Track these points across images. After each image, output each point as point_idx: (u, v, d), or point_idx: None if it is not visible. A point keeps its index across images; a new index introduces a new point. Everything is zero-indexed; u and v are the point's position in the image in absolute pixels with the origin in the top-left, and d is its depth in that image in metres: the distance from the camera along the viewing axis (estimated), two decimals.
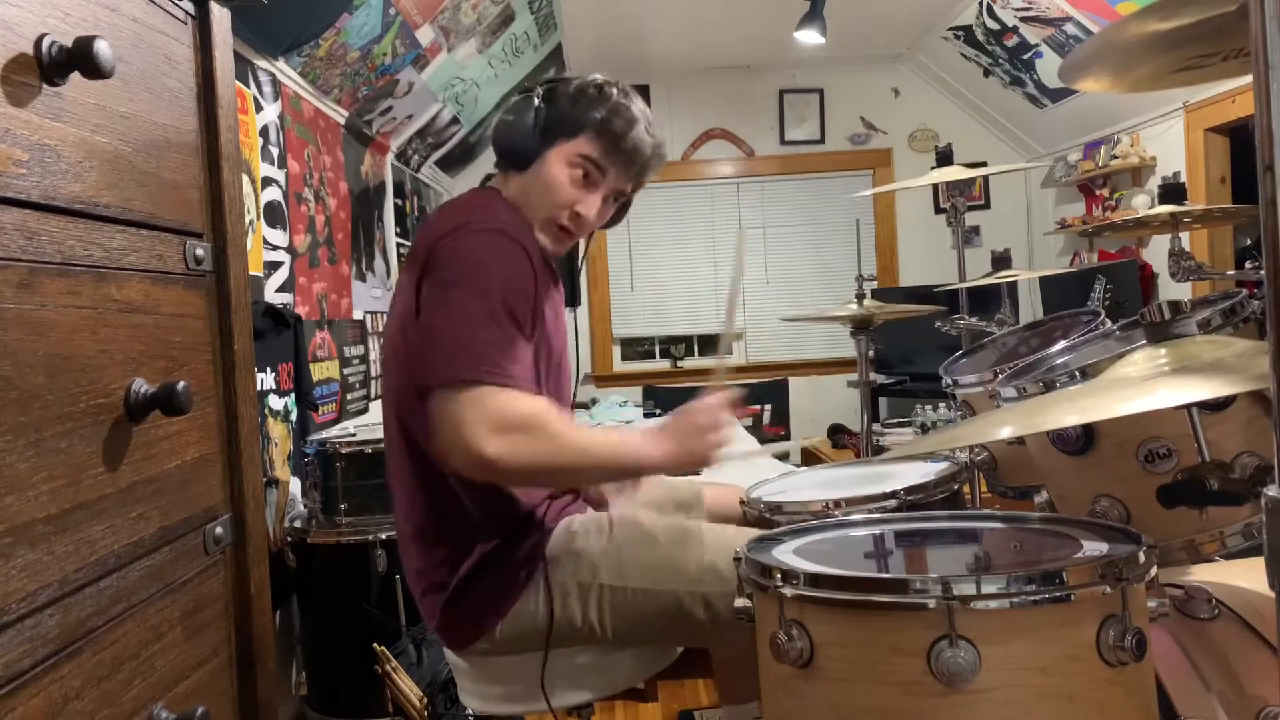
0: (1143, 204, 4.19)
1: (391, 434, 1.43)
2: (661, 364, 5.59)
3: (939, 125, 5.49)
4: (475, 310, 1.24)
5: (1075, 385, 1.20)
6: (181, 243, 0.89)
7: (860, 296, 2.44)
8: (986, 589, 0.85)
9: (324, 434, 2.77)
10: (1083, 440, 1.21)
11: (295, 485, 2.69)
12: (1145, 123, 4.26)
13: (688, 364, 5.55)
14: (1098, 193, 4.67)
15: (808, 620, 0.91)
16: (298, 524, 2.53)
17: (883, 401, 4.93)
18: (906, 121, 5.53)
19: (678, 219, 5.52)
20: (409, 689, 2.06)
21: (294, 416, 2.78)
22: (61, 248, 0.71)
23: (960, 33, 4.72)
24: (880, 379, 2.58)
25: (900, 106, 5.52)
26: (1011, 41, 4.44)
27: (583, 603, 1.36)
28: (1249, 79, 0.67)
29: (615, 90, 1.43)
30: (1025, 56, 4.47)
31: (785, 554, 1.05)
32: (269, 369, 2.61)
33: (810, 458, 4.70)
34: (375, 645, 2.12)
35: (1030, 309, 5.06)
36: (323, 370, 3.05)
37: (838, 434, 4.73)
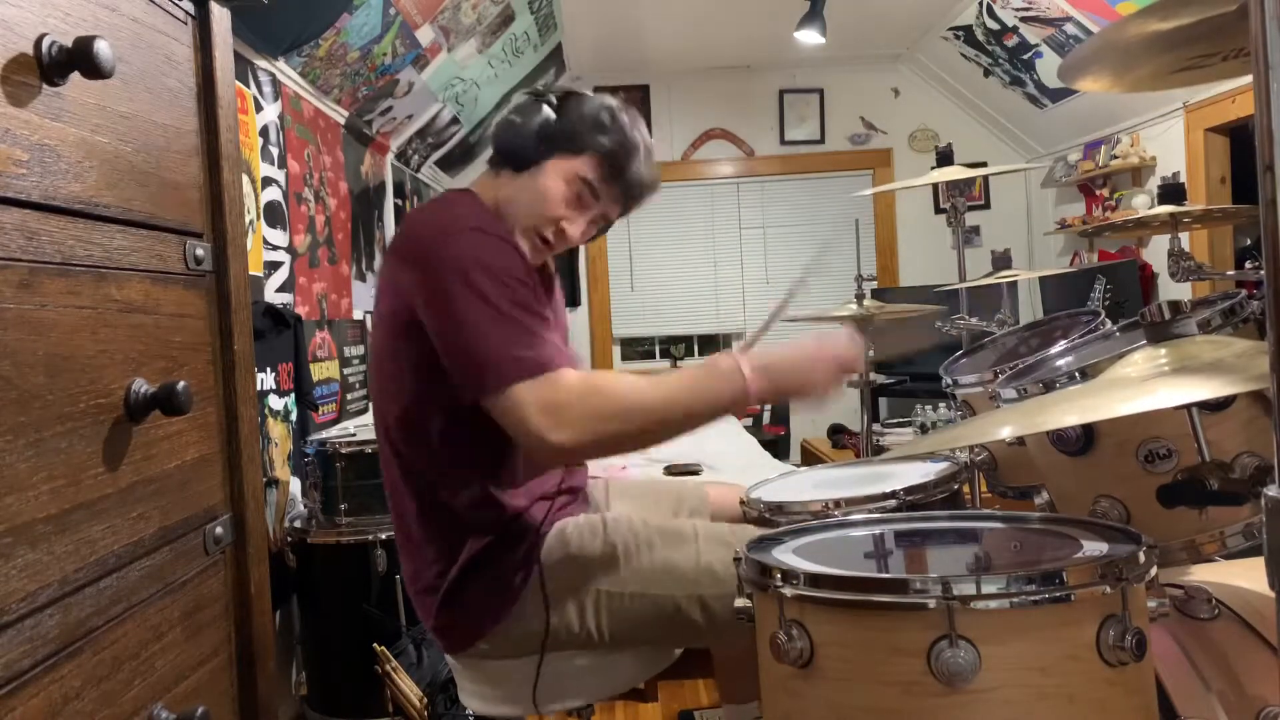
0: (1143, 204, 4.19)
1: (380, 436, 1.43)
2: (662, 364, 5.59)
3: (939, 125, 5.49)
4: (481, 317, 1.25)
5: (1075, 385, 1.20)
6: (181, 243, 0.89)
7: (860, 296, 2.44)
8: (986, 589, 0.85)
9: (324, 434, 2.77)
10: (1083, 440, 1.21)
11: (295, 485, 2.69)
12: (1145, 123, 4.26)
13: (688, 364, 5.55)
14: (1098, 193, 4.67)
15: (808, 620, 0.91)
16: (298, 524, 2.53)
17: (883, 401, 4.93)
18: (906, 121, 5.53)
19: (678, 219, 5.52)
20: (409, 689, 2.06)
21: (294, 416, 2.79)
22: (61, 248, 0.71)
23: (960, 33, 4.72)
24: (880, 379, 2.58)
25: (900, 106, 5.52)
26: (1011, 41, 4.44)
27: (579, 608, 1.36)
28: (1249, 79, 0.67)
29: (625, 118, 1.43)
30: (1025, 56, 4.47)
31: (785, 554, 1.05)
32: (269, 369, 2.61)
33: (810, 458, 4.70)
34: (375, 645, 2.12)
35: (1030, 309, 5.07)
36: (323, 370, 3.05)
37: (838, 434, 4.73)
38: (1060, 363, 1.49)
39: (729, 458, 3.37)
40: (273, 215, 2.75)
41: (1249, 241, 3.95)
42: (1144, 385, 0.98)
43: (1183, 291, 3.58)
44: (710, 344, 5.61)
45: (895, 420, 4.49)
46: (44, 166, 0.69)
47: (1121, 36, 0.95)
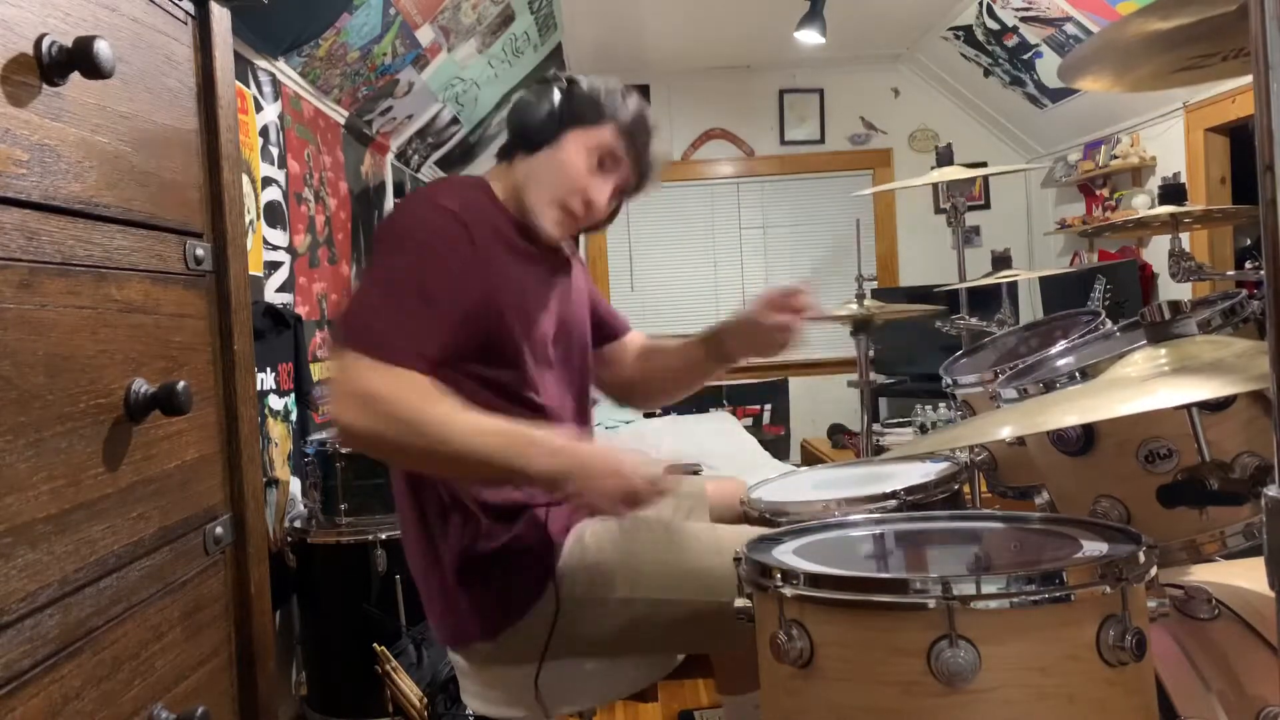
0: (1143, 204, 4.19)
1: None
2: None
3: (939, 125, 5.49)
4: (379, 281, 1.29)
5: (1075, 385, 1.20)
6: (181, 243, 0.89)
7: (860, 296, 2.44)
8: (986, 589, 0.85)
9: (324, 434, 2.77)
10: (1083, 440, 1.22)
11: (295, 485, 2.69)
12: (1145, 123, 4.26)
13: None
14: (1098, 193, 4.67)
15: (808, 620, 0.91)
16: (298, 524, 2.53)
17: (883, 401, 4.93)
18: (906, 121, 5.53)
19: (678, 219, 5.52)
20: (409, 689, 2.06)
21: (294, 416, 2.78)
22: (61, 248, 0.71)
23: (960, 33, 4.72)
24: (880, 379, 2.58)
25: (900, 106, 5.52)
26: (1011, 41, 4.44)
27: (596, 616, 1.35)
28: (1249, 79, 0.67)
29: (636, 97, 1.46)
30: (1025, 56, 4.47)
31: (785, 554, 1.05)
32: (269, 369, 2.61)
33: (810, 458, 4.70)
34: (375, 645, 2.12)
35: (1030, 309, 5.06)
36: (323, 370, 3.05)
37: (838, 434, 4.72)
38: (1060, 363, 1.49)
39: (729, 458, 3.37)
40: (273, 215, 2.75)
41: (1249, 241, 3.95)
42: (1144, 385, 0.98)
43: (1183, 291, 3.58)
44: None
45: (895, 420, 4.49)
46: (44, 166, 0.69)
47: (1121, 36, 0.95)
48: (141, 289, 0.82)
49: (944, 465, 1.61)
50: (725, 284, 5.57)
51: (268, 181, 2.73)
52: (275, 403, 2.65)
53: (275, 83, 2.78)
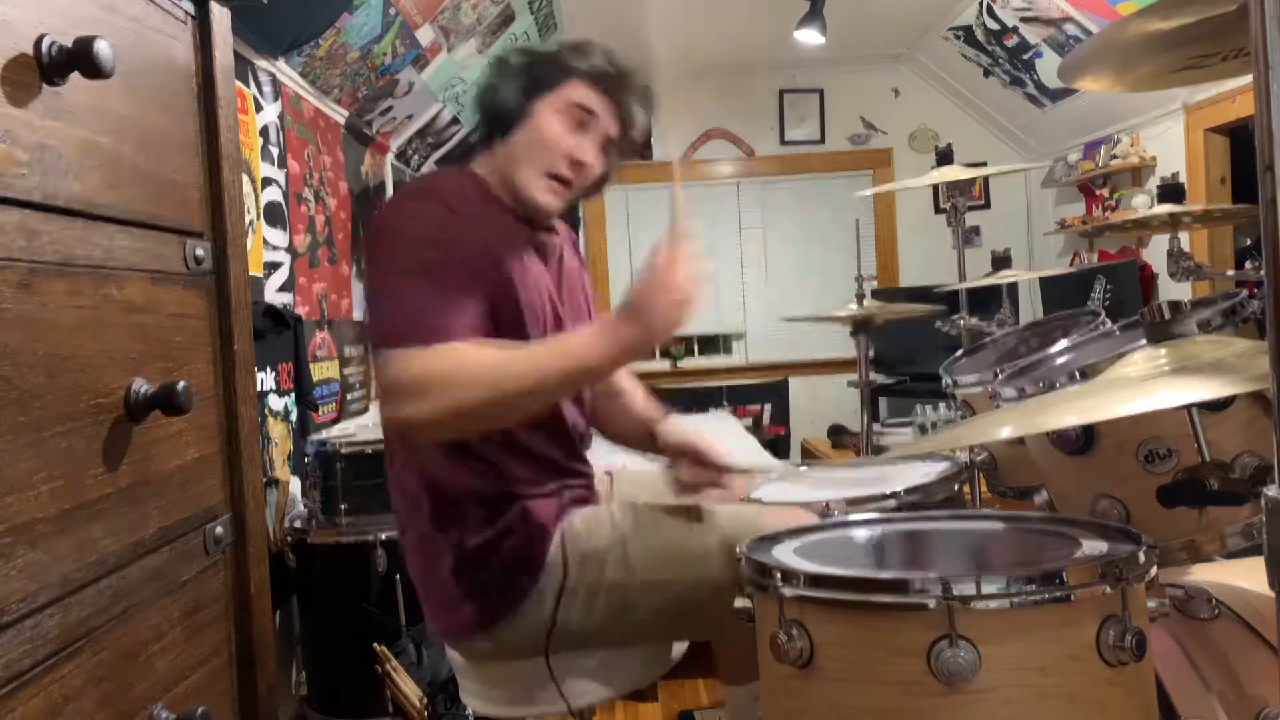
0: (1142, 204, 4.19)
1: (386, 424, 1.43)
2: (661, 364, 5.59)
3: (939, 125, 5.49)
4: (392, 278, 1.27)
5: (1075, 385, 1.20)
6: (181, 243, 0.89)
7: (860, 296, 2.44)
8: (986, 589, 0.85)
9: (324, 434, 2.77)
10: (1083, 440, 1.22)
11: (295, 485, 2.69)
12: (1145, 123, 4.26)
13: (687, 364, 5.55)
14: (1098, 193, 4.67)
15: (808, 620, 0.91)
16: (298, 524, 2.53)
17: (883, 401, 4.93)
18: (906, 121, 5.53)
19: None
20: (409, 689, 2.06)
21: (294, 416, 2.78)
22: (61, 248, 0.71)
23: (960, 33, 4.72)
24: (880, 379, 2.58)
25: (900, 106, 5.52)
26: (1011, 41, 4.44)
27: (590, 604, 1.35)
28: (1249, 79, 0.67)
29: (600, 47, 1.44)
30: (1025, 56, 4.47)
31: (785, 554, 1.05)
32: (269, 369, 2.61)
33: (810, 458, 4.70)
34: (375, 645, 2.12)
35: (1030, 309, 5.06)
36: (323, 370, 3.05)
37: (838, 434, 4.72)
38: (1060, 362, 1.49)
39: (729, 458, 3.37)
40: (273, 215, 2.75)
41: (1249, 241, 3.95)
42: (1144, 385, 0.98)
43: (1183, 291, 3.58)
44: (710, 344, 5.60)
45: (895, 420, 4.48)
46: (44, 166, 0.69)
47: (1122, 36, 0.95)
48: (141, 289, 0.82)
49: (944, 465, 1.61)
50: (725, 284, 5.57)
51: (268, 181, 2.73)
52: (275, 403, 2.65)
53: (275, 83, 2.78)
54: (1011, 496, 1.65)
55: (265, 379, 2.58)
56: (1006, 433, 1.22)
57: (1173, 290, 3.96)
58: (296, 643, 2.60)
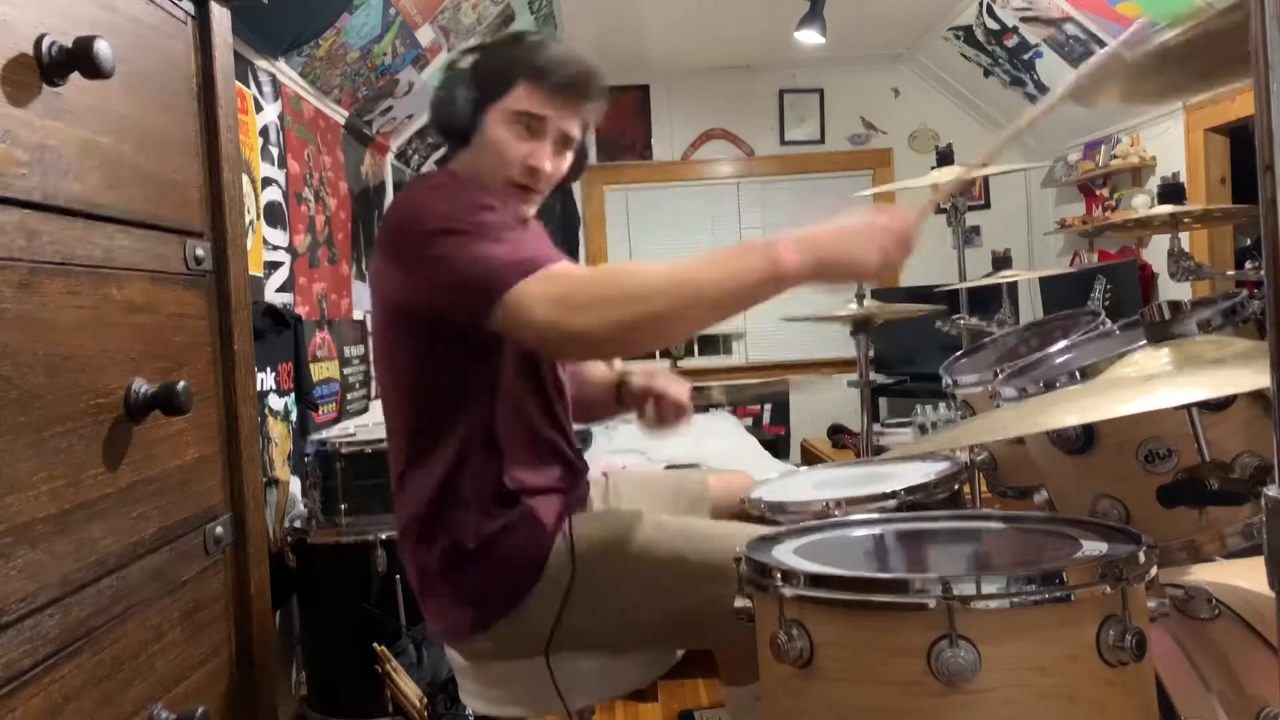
0: (1143, 204, 4.19)
1: (391, 422, 1.43)
2: (661, 364, 5.59)
3: (939, 125, 5.48)
4: (458, 246, 1.23)
5: (1075, 385, 1.20)
6: (181, 243, 0.89)
7: (860, 296, 2.44)
8: (986, 589, 0.85)
9: (324, 434, 2.77)
10: (1083, 440, 1.22)
11: (295, 485, 2.69)
12: (1145, 123, 4.26)
13: (687, 364, 5.55)
14: (1098, 193, 4.67)
15: (808, 620, 0.91)
16: (298, 524, 2.53)
17: (883, 401, 4.93)
18: (906, 121, 5.53)
19: (678, 219, 5.51)
20: (409, 689, 2.06)
21: (294, 416, 2.79)
22: (61, 248, 0.71)
23: (960, 33, 4.72)
24: (880, 379, 2.58)
25: (900, 106, 5.52)
26: (1011, 41, 4.44)
27: (590, 605, 1.35)
28: (1249, 79, 0.67)
29: (534, 38, 1.42)
30: (1025, 56, 4.47)
31: (785, 554, 1.05)
32: (269, 369, 2.61)
33: (810, 458, 4.70)
34: (375, 645, 2.12)
35: (1030, 309, 5.06)
36: (323, 370, 3.05)
37: (838, 434, 4.73)
38: (1060, 362, 1.49)
39: (729, 458, 3.37)
40: (273, 215, 2.75)
41: (1249, 241, 3.95)
42: (1144, 385, 0.98)
43: (1183, 291, 3.58)
44: (710, 344, 5.60)
45: (895, 420, 4.49)
46: (44, 166, 0.69)
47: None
48: (141, 289, 0.82)
49: (944, 465, 1.61)
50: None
51: (268, 181, 2.73)
52: (275, 403, 2.65)
53: (275, 83, 2.78)
54: (1011, 496, 1.65)
55: (265, 379, 2.58)
56: (1006, 433, 1.22)
57: (1173, 290, 3.96)
58: (296, 643, 2.60)
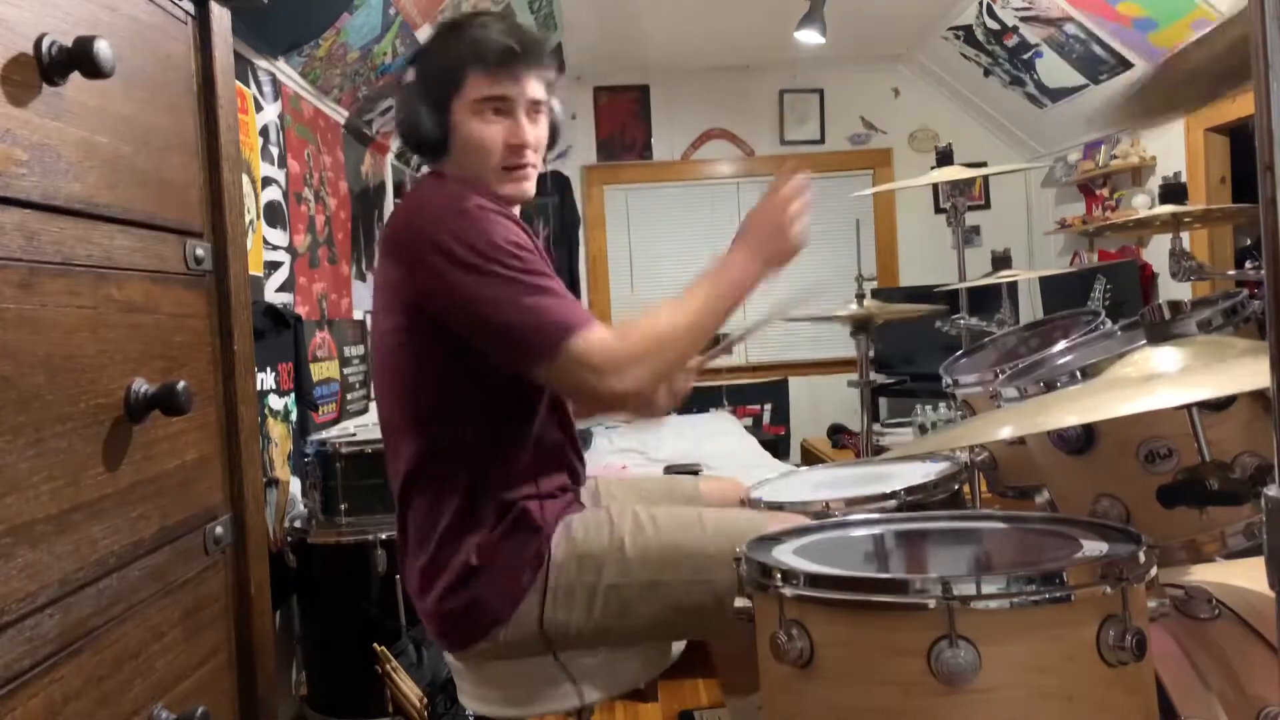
0: (1143, 204, 4.19)
1: (385, 431, 1.43)
2: None
3: (939, 125, 5.48)
4: (507, 292, 1.27)
5: (1075, 385, 1.20)
6: (181, 243, 0.89)
7: (860, 296, 2.44)
8: (986, 589, 0.85)
9: (324, 434, 2.77)
10: (1083, 440, 1.22)
11: (295, 485, 2.69)
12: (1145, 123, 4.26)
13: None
14: (1098, 193, 4.67)
15: (808, 620, 0.91)
16: (298, 524, 2.53)
17: (883, 401, 4.93)
18: (906, 121, 5.53)
19: (678, 219, 5.51)
20: (409, 689, 2.06)
21: (294, 416, 2.79)
22: (61, 248, 0.71)
23: (960, 33, 4.72)
24: (880, 379, 2.58)
25: (900, 106, 5.52)
26: (1011, 41, 4.44)
27: (588, 605, 1.35)
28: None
29: (462, 25, 1.43)
30: (1025, 56, 4.47)
31: (785, 554, 1.05)
32: (269, 369, 2.61)
33: (810, 458, 4.70)
34: (375, 645, 2.12)
35: (1030, 309, 5.06)
36: (323, 370, 3.05)
37: (838, 434, 4.72)
38: (1060, 362, 1.49)
39: (729, 458, 3.37)
40: (273, 215, 2.75)
41: (1249, 241, 3.94)
42: (1144, 385, 0.98)
43: (1183, 291, 3.58)
44: (709, 344, 5.59)
45: (895, 420, 4.49)
46: (44, 166, 0.69)
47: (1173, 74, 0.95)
48: (141, 289, 0.82)
49: (944, 465, 1.61)
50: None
51: (268, 181, 2.73)
52: (275, 403, 2.65)
53: (275, 83, 2.78)
54: (1012, 496, 1.65)
55: (265, 379, 2.58)
56: (1006, 433, 1.22)
57: (1173, 290, 3.96)
58: (296, 643, 2.60)
